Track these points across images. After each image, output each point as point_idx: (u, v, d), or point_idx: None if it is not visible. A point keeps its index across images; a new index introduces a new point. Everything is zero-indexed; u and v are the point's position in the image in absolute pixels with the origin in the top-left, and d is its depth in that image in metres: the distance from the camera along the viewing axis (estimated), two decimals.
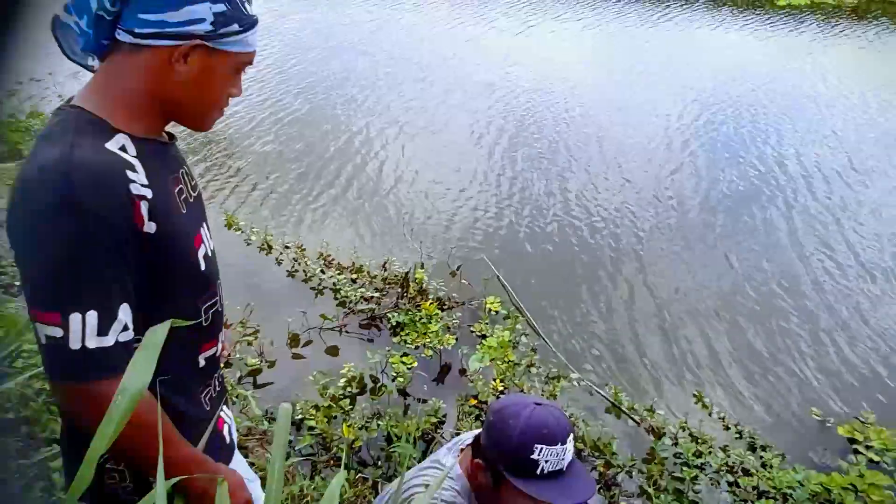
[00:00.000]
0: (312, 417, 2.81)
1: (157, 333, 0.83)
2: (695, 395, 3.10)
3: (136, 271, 0.97)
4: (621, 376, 3.30)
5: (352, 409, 2.93)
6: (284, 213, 4.68)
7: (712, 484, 2.67)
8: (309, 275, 3.92)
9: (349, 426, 2.73)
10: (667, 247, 4.45)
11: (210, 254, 1.15)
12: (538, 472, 1.28)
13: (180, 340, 1.07)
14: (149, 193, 0.96)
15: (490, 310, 3.62)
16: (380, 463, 2.70)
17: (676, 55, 8.58)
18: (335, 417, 2.86)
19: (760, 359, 3.44)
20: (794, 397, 3.18)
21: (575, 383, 3.15)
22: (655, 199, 5.01)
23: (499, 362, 3.20)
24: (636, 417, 2.99)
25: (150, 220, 0.96)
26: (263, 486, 1.07)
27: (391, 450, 2.68)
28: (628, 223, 4.69)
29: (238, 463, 1.41)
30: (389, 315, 3.53)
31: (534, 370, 3.23)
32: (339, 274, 3.88)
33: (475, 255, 4.23)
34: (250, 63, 1.08)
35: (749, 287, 4.02)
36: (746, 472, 2.69)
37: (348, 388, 3.06)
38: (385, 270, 3.88)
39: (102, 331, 0.91)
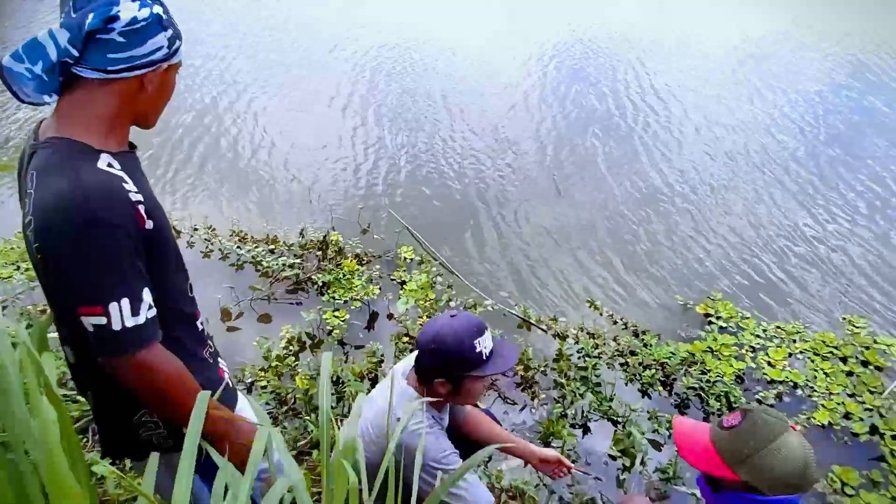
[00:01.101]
0: (263, 378, 3.07)
1: None
2: (588, 301, 3.70)
3: (146, 261, 1.22)
4: (526, 296, 3.83)
5: (297, 365, 3.21)
6: (176, 197, 4.72)
7: (609, 367, 3.29)
8: (225, 252, 4.05)
9: (300, 378, 3.03)
10: (548, 177, 5.02)
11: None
12: (483, 357, 1.70)
13: (183, 314, 1.36)
14: (141, 197, 1.20)
15: (405, 258, 3.99)
16: (334, 404, 3.03)
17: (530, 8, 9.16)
18: (283, 374, 3.13)
19: (633, 263, 4.11)
20: (662, 289, 3.88)
21: (489, 308, 3.64)
22: (535, 136, 5.56)
23: (421, 302, 3.61)
24: (543, 327, 3.54)
25: (148, 219, 1.21)
26: None
27: (343, 389, 3.01)
28: (508, 161, 5.20)
29: (244, 403, 1.70)
30: (314, 277, 3.79)
31: (452, 303, 3.67)
32: (256, 247, 4.05)
33: (381, 211, 4.55)
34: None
35: (620, 204, 4.69)
36: (633, 353, 3.34)
37: (290, 347, 3.33)
38: (302, 237, 4.10)
39: (135, 312, 1.16)
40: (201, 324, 1.45)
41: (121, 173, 1.18)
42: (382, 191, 4.82)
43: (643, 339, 3.43)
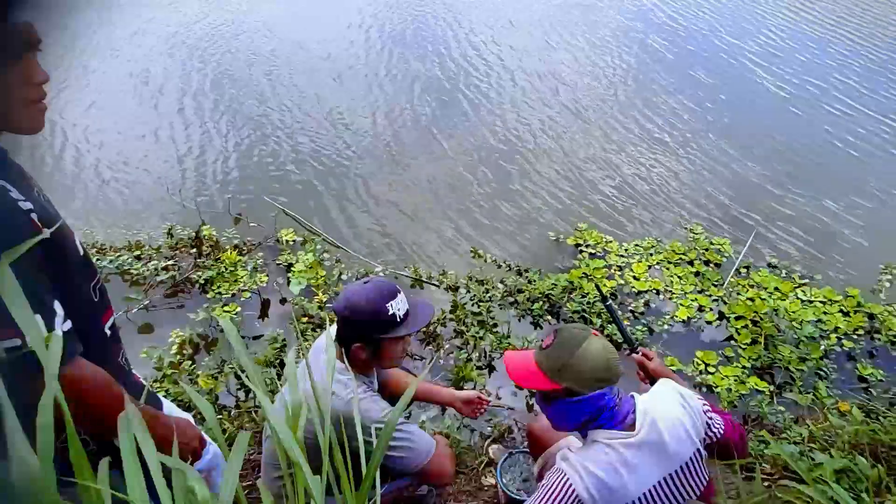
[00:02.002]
0: (160, 389, 2.92)
1: None
2: (472, 250, 3.90)
3: (52, 270, 1.15)
4: (413, 256, 3.95)
5: (195, 368, 3.09)
6: None
7: (501, 308, 3.53)
8: None
9: (203, 379, 2.93)
10: (411, 139, 5.13)
11: (81, 238, 1.34)
12: (397, 320, 1.79)
13: (86, 319, 1.29)
14: (30, 205, 1.12)
15: (287, 241, 3.92)
16: (243, 398, 2.97)
17: None
18: (181, 380, 3.00)
19: (504, 210, 4.38)
20: (535, 229, 4.19)
21: (381, 273, 3.72)
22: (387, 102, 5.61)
23: (313, 280, 3.59)
24: (434, 283, 3.70)
25: (43, 226, 1.13)
26: None
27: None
28: (367, 128, 5.23)
29: (169, 405, 1.66)
30: (193, 276, 3.61)
31: (344, 276, 3.70)
32: (118, 256, 3.75)
33: (250, 196, 4.40)
34: (33, 44, 1.12)
35: (476, 156, 4.92)
36: (520, 291, 3.61)
37: (183, 352, 3.19)
38: (171, 237, 3.86)
39: (50, 328, 1.10)
40: (111, 329, 1.39)
41: (3, 182, 1.10)
42: (244, 177, 4.64)
43: (527, 277, 3.71)
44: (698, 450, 1.56)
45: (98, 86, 5.82)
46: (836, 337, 3.32)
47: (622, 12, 7.29)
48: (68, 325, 1.14)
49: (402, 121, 5.35)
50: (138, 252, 3.80)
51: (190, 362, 3.11)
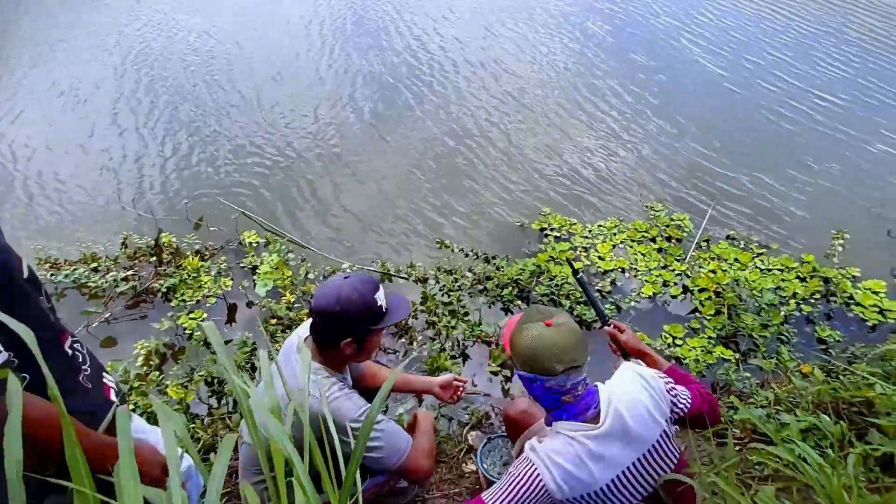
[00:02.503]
0: (128, 402, 2.84)
1: None
2: (438, 241, 3.90)
3: None
4: (379, 251, 3.93)
5: (164, 378, 3.01)
6: None
7: (471, 296, 3.54)
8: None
9: (172, 389, 2.85)
10: (363, 135, 5.08)
11: (28, 258, 1.29)
12: (384, 310, 1.78)
13: (45, 342, 1.24)
14: None
15: (250, 243, 3.85)
16: (215, 403, 2.91)
17: None
18: (150, 392, 2.92)
19: (466, 200, 4.38)
20: (498, 216, 4.21)
21: (348, 270, 3.68)
22: (349, 100, 5.55)
23: (280, 281, 3.54)
24: (403, 276, 3.68)
25: None
26: None
27: (221, 389, 2.90)
28: (331, 124, 5.16)
29: (136, 420, 1.61)
30: (155, 285, 3.52)
31: (311, 275, 3.65)
32: (74, 270, 3.63)
33: (208, 200, 4.30)
34: None
35: (439, 146, 4.92)
36: (489, 278, 3.63)
37: (150, 362, 3.10)
38: (126, 247, 3.74)
39: None
40: (70, 348, 1.34)
41: None
42: (202, 181, 4.52)
43: (495, 264, 3.73)
44: (664, 430, 1.58)
45: (25, 96, 5.58)
46: (795, 302, 3.44)
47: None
48: (3, 356, 1.11)
49: (345, 117, 5.30)
50: (95, 264, 3.68)
51: (158, 373, 3.03)
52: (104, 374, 1.48)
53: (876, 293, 3.48)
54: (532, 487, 1.48)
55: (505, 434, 2.45)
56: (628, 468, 1.53)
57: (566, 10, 7.05)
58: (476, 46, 6.31)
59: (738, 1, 7.18)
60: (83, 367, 1.38)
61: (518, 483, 1.49)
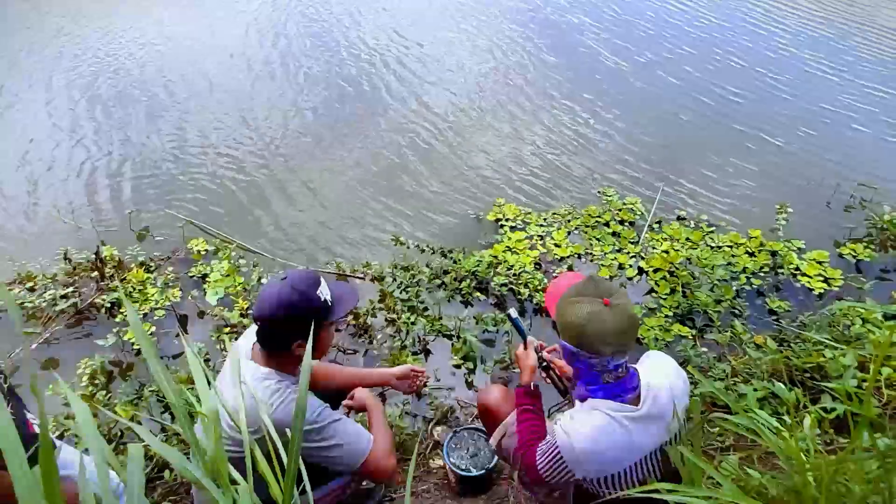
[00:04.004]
0: (73, 425, 2.69)
1: None
2: (392, 238, 3.83)
3: None
4: (332, 252, 3.84)
5: (111, 397, 2.87)
6: None
7: (429, 291, 3.50)
8: None
9: (121, 408, 2.71)
10: (311, 137, 4.98)
11: None
12: (329, 304, 1.72)
13: None
14: None
15: (199, 251, 3.71)
16: (170, 420, 2.78)
17: None
18: (97, 414, 2.77)
19: (419, 196, 4.34)
20: (453, 208, 4.18)
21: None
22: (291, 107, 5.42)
23: (231, 289, 3.42)
24: (359, 275, 3.61)
25: None
26: None
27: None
28: (276, 126, 5.04)
29: (66, 451, 1.52)
30: (98, 301, 3.35)
31: (264, 280, 3.54)
32: (9, 291, 3.42)
33: (151, 208, 4.13)
34: None
35: (389, 146, 4.85)
36: (446, 272, 3.59)
37: (95, 382, 2.95)
38: (68, 262, 3.55)
39: None
40: None
41: None
42: (144, 193, 4.34)
43: (451, 257, 3.69)
44: (683, 423, 1.63)
45: None
46: (746, 276, 3.52)
47: None
48: None
49: (290, 120, 5.14)
50: (31, 284, 3.47)
51: (104, 392, 2.88)
52: (26, 411, 1.39)
53: (820, 263, 3.60)
54: (556, 459, 1.57)
55: (471, 426, 2.42)
56: (652, 453, 1.57)
57: (511, 6, 7.07)
58: (425, 41, 6.27)
59: None
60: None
61: (550, 451, 1.58)
